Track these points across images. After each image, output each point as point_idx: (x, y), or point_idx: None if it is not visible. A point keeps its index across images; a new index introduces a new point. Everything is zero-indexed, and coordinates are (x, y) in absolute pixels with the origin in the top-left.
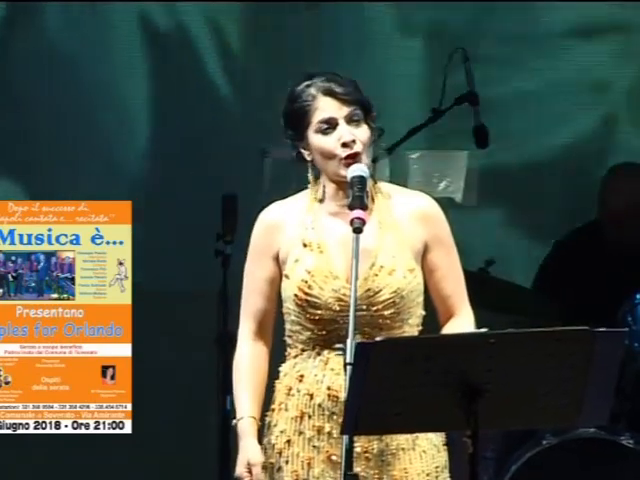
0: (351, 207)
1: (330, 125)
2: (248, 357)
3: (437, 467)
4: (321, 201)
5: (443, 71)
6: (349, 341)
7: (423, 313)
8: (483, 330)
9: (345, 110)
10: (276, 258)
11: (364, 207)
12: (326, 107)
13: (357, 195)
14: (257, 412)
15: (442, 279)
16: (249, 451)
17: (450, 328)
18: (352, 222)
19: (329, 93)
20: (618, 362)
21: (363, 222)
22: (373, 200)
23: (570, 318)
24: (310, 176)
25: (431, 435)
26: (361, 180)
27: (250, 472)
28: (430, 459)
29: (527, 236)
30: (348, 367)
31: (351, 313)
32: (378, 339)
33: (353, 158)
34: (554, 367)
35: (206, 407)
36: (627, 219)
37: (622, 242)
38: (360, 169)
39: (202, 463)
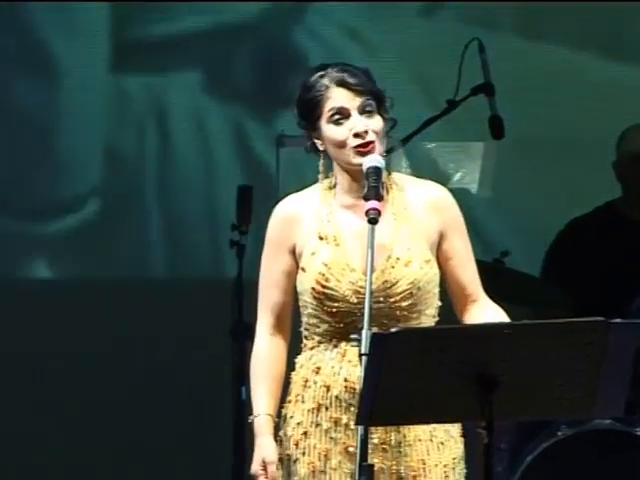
0: (366, 198)
1: (342, 115)
2: (265, 352)
3: (454, 458)
4: (332, 188)
5: (459, 61)
6: (364, 332)
7: (439, 304)
8: (498, 321)
9: (358, 100)
10: (293, 251)
11: (379, 198)
12: (338, 97)
13: (372, 186)
14: (273, 409)
15: (459, 267)
16: (264, 449)
17: (480, 313)
18: (367, 213)
19: (342, 84)
20: (633, 354)
21: (378, 213)
22: (388, 191)
23: (585, 304)
24: (320, 167)
25: (448, 426)
26: (376, 171)
27: (265, 470)
28: (447, 450)
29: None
30: (363, 358)
31: (366, 304)
32: (393, 330)
33: (365, 147)
34: (569, 358)
35: (221, 398)
36: None
37: None
38: (376, 160)
39: (204, 460)
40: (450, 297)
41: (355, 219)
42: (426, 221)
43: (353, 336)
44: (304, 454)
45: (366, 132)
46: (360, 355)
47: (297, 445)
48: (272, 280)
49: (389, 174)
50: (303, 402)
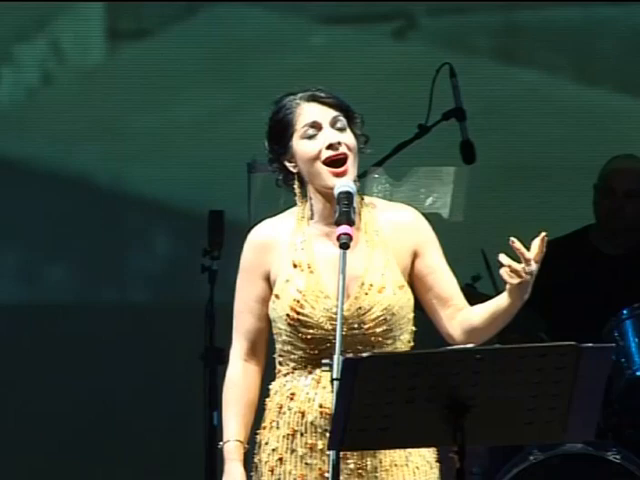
0: (338, 223)
1: (315, 129)
2: (238, 378)
3: None
4: (310, 219)
5: (430, 86)
6: (336, 357)
7: (414, 329)
8: (469, 346)
9: (329, 114)
10: (267, 278)
11: (351, 223)
12: (310, 112)
13: (344, 211)
14: (244, 435)
15: (441, 278)
16: (232, 475)
17: (474, 309)
18: (339, 237)
19: (312, 99)
20: (605, 378)
21: (350, 237)
22: (360, 217)
23: (556, 329)
24: (297, 191)
25: (424, 451)
26: (348, 196)
27: None
28: (423, 475)
29: None
30: (335, 382)
31: (338, 329)
32: (364, 355)
33: (338, 163)
34: (540, 383)
35: (193, 424)
36: (628, 204)
37: (621, 235)
38: (347, 185)
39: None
40: (431, 313)
41: (329, 246)
42: (398, 245)
43: (325, 361)
44: None
45: (339, 143)
46: (332, 380)
47: (272, 471)
48: (246, 306)
49: (362, 199)
50: (278, 428)
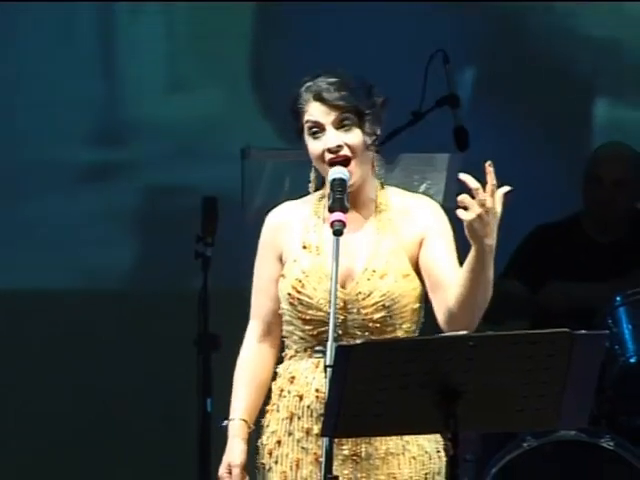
0: (331, 210)
1: (319, 129)
2: (251, 358)
3: (427, 474)
4: (322, 199)
5: (424, 73)
6: (329, 343)
7: (422, 320)
8: (462, 332)
9: (333, 115)
10: (280, 258)
11: (344, 209)
12: (314, 112)
13: (337, 197)
14: (250, 415)
15: (441, 266)
16: (232, 452)
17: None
18: (332, 224)
19: (318, 98)
20: (598, 365)
21: (343, 224)
22: (377, 205)
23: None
24: (312, 175)
25: (423, 441)
26: (341, 183)
27: (231, 473)
28: (420, 465)
29: None
30: (328, 369)
31: (331, 315)
32: (357, 342)
33: (342, 163)
34: (533, 369)
35: (188, 411)
36: (620, 190)
37: (611, 222)
38: (340, 172)
39: (171, 472)
40: (432, 300)
41: None
42: (408, 234)
43: (317, 348)
44: (277, 463)
45: (340, 146)
46: (325, 367)
47: (271, 454)
48: (262, 287)
49: (382, 187)
50: (278, 411)
